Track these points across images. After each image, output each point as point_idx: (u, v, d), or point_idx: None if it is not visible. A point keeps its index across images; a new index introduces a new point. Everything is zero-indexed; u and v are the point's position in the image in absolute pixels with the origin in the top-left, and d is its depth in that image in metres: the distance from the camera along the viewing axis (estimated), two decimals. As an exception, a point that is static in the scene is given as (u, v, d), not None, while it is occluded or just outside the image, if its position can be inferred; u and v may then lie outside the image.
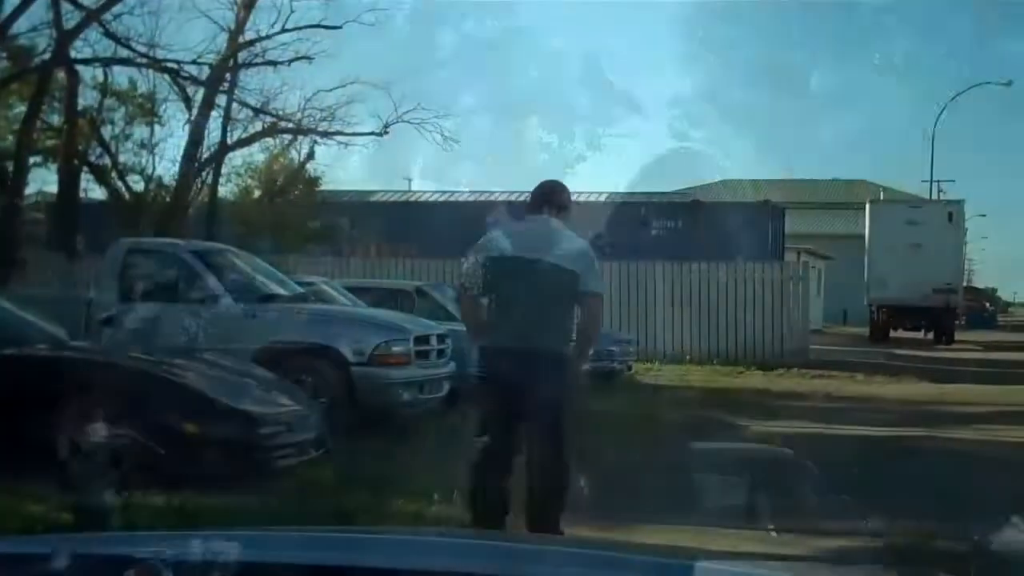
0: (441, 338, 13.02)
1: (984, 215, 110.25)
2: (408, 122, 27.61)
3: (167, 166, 29.77)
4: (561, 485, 6.75)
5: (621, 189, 34.18)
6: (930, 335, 41.08)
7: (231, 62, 25.76)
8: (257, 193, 27.03)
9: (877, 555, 7.44)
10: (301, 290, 13.80)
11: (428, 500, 8.29)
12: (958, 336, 42.78)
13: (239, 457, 8.71)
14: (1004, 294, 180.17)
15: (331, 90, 26.53)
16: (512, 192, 32.79)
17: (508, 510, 6.70)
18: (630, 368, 21.16)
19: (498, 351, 6.74)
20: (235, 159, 26.96)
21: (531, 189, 7.38)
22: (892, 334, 41.29)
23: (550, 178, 7.51)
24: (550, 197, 7.16)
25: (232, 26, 26.04)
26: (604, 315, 7.65)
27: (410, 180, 52.51)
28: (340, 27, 27.13)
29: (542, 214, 7.05)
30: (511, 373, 6.56)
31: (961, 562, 7.14)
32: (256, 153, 27.49)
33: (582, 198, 31.06)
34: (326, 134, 26.72)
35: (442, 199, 32.57)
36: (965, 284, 60.56)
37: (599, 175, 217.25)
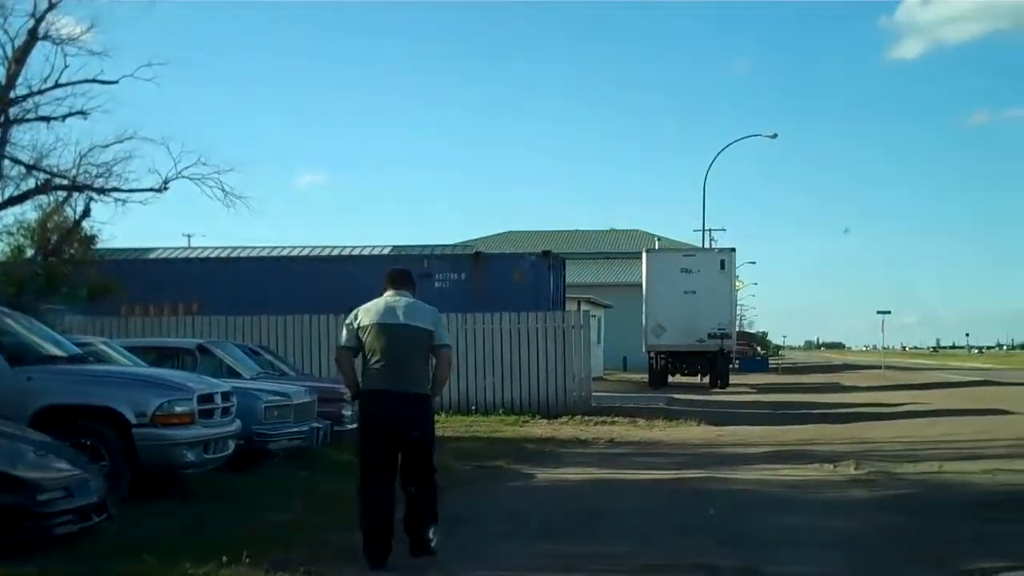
0: (226, 396, 12.82)
1: (754, 262, 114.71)
2: (188, 178, 27.17)
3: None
4: (434, 491, 8.81)
5: (405, 242, 34.36)
6: (706, 379, 42.35)
7: (2, 118, 24.95)
8: (30, 252, 26.08)
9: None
10: (79, 351, 13.39)
11: (217, 562, 8.15)
12: (733, 379, 44.22)
13: (14, 526, 8.38)
14: (774, 338, 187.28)
15: (107, 146, 25.93)
16: (293, 247, 32.63)
17: (392, 514, 8.65)
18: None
19: (378, 393, 8.71)
20: (6, 217, 26.03)
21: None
22: (671, 379, 42.45)
23: (400, 266, 9.65)
24: (405, 278, 9.28)
25: (2, 81, 25.25)
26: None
27: (189, 236, 51.61)
28: (116, 82, 26.60)
29: (399, 290, 9.10)
30: (390, 408, 8.64)
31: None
32: (29, 211, 26.58)
33: (366, 251, 31.10)
34: (102, 191, 26.04)
35: (223, 255, 32.09)
36: (738, 329, 62.74)
37: (384, 229, 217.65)
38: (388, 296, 9.07)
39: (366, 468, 8.76)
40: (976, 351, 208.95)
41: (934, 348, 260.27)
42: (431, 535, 8.64)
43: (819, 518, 11.45)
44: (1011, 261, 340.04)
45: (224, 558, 8.22)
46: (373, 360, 8.77)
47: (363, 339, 8.82)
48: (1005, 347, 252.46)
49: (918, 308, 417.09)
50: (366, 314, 8.91)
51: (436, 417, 9.57)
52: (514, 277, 28.40)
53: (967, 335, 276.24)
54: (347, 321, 9.02)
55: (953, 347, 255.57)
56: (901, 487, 13.55)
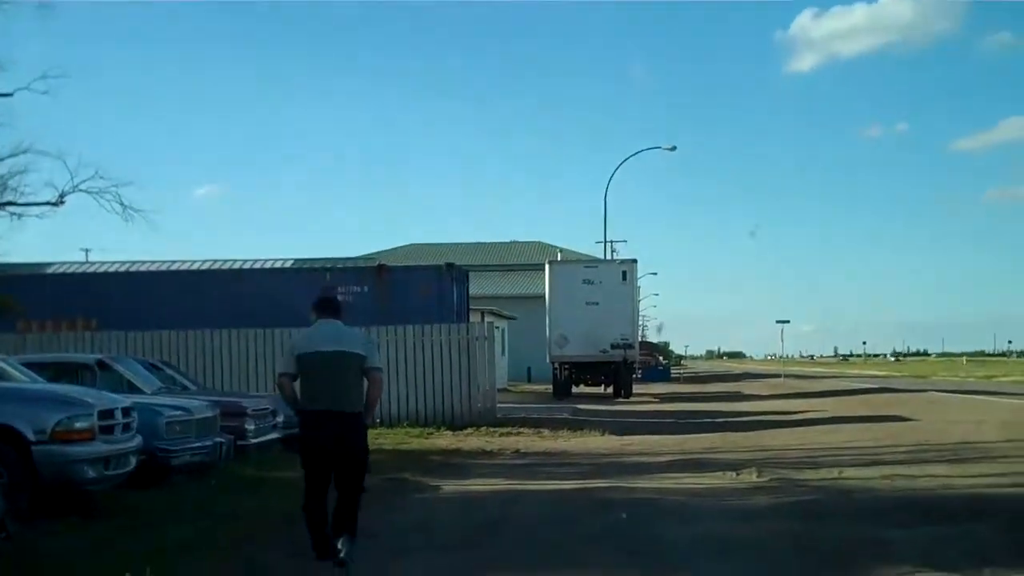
0: (127, 411, 12.64)
1: (655, 273, 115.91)
2: (86, 191, 26.76)
3: None
4: (359, 494, 9.41)
5: (307, 255, 34.12)
6: (610, 389, 42.61)
7: None
8: (-79, 268, 25.56)
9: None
10: (-26, 368, 13.15)
11: (119, 580, 8.04)
12: (636, 389, 44.57)
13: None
14: (677, 347, 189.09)
15: (2, 159, 25.48)
16: (194, 261, 32.26)
17: (328, 519, 9.26)
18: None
19: (316, 413, 9.27)
20: (-103, 234, 25.48)
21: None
22: (575, 390, 42.66)
23: (325, 294, 10.74)
24: (332, 305, 9.85)
25: None
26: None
27: (87, 251, 50.78)
28: (11, 94, 26.17)
29: (329, 318, 9.67)
30: (327, 426, 9.21)
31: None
32: (-79, 227, 26.08)
33: (268, 265, 30.87)
34: (-2, 204, 25.59)
35: (122, 269, 31.64)
36: (641, 339, 63.26)
37: (284, 241, 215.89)
38: (320, 324, 9.69)
39: (309, 482, 9.36)
40: (893, 359, 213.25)
41: (844, 356, 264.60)
42: (341, 545, 8.98)
43: (723, 525, 11.55)
44: (904, 271, 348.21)
45: (127, 574, 8.11)
46: (311, 384, 9.39)
47: (301, 365, 9.42)
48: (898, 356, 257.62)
49: (816, 317, 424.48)
50: (302, 342, 9.59)
51: None
52: (420, 290, 28.33)
53: (864, 343, 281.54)
54: (286, 350, 9.80)
55: (851, 355, 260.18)
56: (803, 493, 13.74)
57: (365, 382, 9.56)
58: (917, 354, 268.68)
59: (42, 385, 14.13)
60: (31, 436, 11.20)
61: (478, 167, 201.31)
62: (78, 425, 11.58)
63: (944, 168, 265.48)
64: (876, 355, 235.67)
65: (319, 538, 9.29)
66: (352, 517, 9.32)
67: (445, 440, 22.80)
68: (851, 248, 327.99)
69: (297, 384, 9.54)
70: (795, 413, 31.16)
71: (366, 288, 28.47)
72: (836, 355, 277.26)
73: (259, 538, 10.75)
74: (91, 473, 11.62)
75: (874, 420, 27.25)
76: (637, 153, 60.85)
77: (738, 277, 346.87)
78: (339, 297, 27.43)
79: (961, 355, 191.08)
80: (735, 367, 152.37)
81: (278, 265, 30.93)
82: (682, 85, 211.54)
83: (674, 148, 62.01)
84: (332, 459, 9.30)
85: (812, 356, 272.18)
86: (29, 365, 15.91)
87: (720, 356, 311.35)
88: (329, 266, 30.49)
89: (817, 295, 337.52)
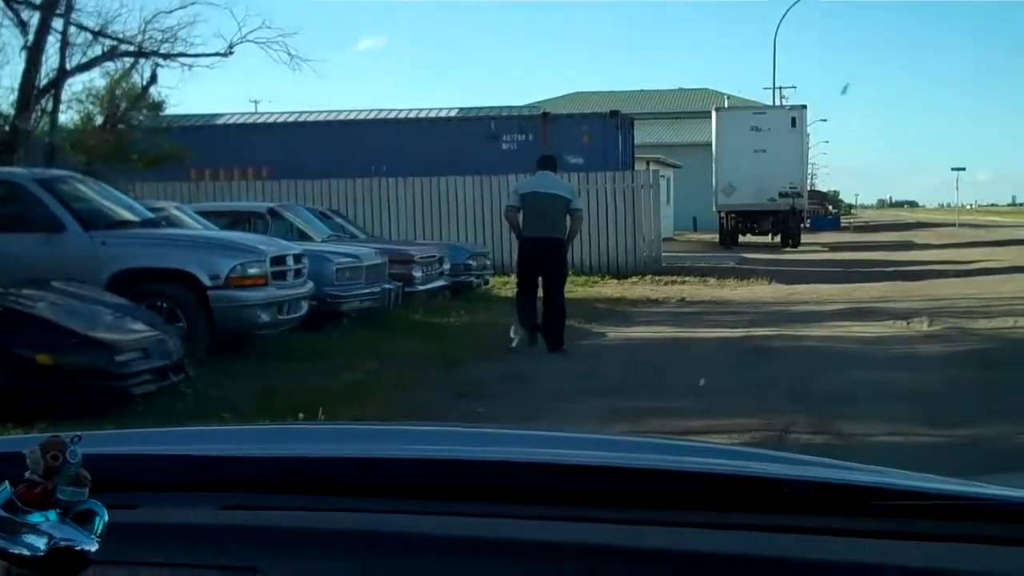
0: (298, 258, 12.92)
1: (825, 120, 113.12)
2: (253, 42, 26.97)
3: (4, 94, 28.56)
4: (563, 304, 13.28)
5: (472, 104, 34.09)
6: (777, 238, 42.01)
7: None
8: (100, 119, 26.16)
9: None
10: (151, 215, 13.53)
11: (293, 420, 8.27)
12: (804, 239, 43.88)
13: (94, 386, 8.57)
14: (846, 196, 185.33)
15: (171, 11, 25.77)
16: (360, 111, 32.53)
17: (537, 315, 13.19)
18: (487, 282, 21.29)
19: (533, 238, 13.08)
20: (75, 85, 26.08)
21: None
22: (741, 239, 42.15)
23: (545, 153, 15.39)
24: (549, 162, 13.90)
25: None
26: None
27: (256, 102, 51.60)
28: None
29: (546, 170, 13.65)
30: (539, 249, 13.00)
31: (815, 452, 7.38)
32: (97, 78, 26.58)
33: (432, 114, 30.96)
34: (168, 56, 25.94)
35: (291, 120, 32.07)
36: (809, 188, 62.04)
37: (451, 90, 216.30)
38: (539, 174, 13.61)
39: (521, 286, 13.53)
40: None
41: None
42: (563, 332, 13.09)
43: (893, 373, 11.39)
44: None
45: (300, 415, 8.34)
46: (529, 216, 13.13)
47: (524, 202, 13.23)
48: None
49: (994, 165, 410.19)
50: (525, 185, 13.78)
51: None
52: (582, 138, 28.13)
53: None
54: (512, 191, 14.25)
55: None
56: (975, 342, 13.44)
57: (568, 219, 13.18)
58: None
59: (216, 233, 14.50)
60: (207, 281, 11.53)
61: (644, 11, 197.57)
62: (251, 271, 11.88)
63: None
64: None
65: (531, 323, 13.16)
66: (559, 327, 13.04)
67: (610, 288, 22.80)
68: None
69: (520, 216, 13.25)
70: (968, 262, 30.30)
71: (530, 136, 28.37)
72: (1014, 204, 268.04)
73: (424, 381, 10.96)
74: (264, 317, 11.95)
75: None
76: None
77: (912, 125, 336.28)
78: (503, 146, 27.78)
79: None
80: (907, 216, 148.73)
81: (443, 115, 30.97)
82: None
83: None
84: (541, 271, 13.12)
85: (991, 205, 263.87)
86: (203, 213, 16.35)
87: (892, 205, 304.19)
88: (493, 115, 30.43)
89: (996, 143, 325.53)
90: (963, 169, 59.89)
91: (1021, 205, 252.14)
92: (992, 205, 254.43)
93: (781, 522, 1.48)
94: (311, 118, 31.96)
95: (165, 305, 11.31)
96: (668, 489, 1.60)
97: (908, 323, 15.51)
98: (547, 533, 1.48)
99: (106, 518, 1.31)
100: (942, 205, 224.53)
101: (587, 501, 1.56)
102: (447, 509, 1.57)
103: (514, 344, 12.09)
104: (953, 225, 66.75)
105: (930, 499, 1.52)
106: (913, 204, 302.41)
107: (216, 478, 1.69)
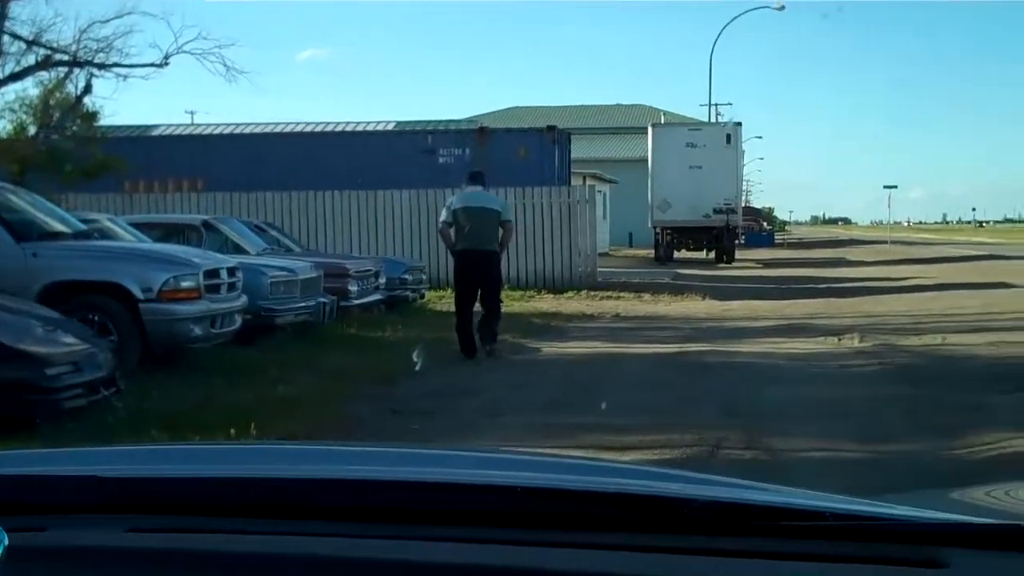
0: (232, 271, 12.84)
1: (761, 137, 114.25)
2: (189, 53, 26.79)
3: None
4: (498, 308, 14.22)
5: (410, 117, 34.06)
6: (712, 254, 42.26)
7: (-1, -8, 24.57)
8: (32, 129, 25.87)
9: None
10: (84, 227, 13.39)
11: (224, 435, 8.22)
12: (739, 255, 44.19)
13: (23, 400, 8.46)
14: (781, 213, 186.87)
15: (107, 21, 25.55)
16: (297, 124, 32.41)
17: (473, 331, 13.80)
18: (423, 296, 21.27)
19: (466, 251, 13.75)
20: (7, 94, 25.79)
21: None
22: (676, 255, 42.37)
23: (474, 169, 15.99)
24: (478, 177, 14.53)
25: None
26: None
27: (192, 113, 51.19)
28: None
29: (475, 184, 14.40)
30: (474, 262, 13.70)
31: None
32: (30, 87, 26.27)
33: (369, 128, 30.91)
34: (103, 66, 25.73)
35: (227, 131, 31.87)
36: (744, 204, 62.56)
37: (390, 103, 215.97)
38: (469, 189, 14.39)
39: (459, 301, 14.00)
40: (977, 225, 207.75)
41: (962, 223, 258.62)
42: (497, 329, 14.09)
43: (824, 389, 11.51)
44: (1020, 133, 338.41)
45: (232, 431, 8.30)
46: (462, 231, 13.75)
47: (456, 217, 13.80)
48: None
49: (926, 184, 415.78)
50: (457, 201, 14.18)
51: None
52: (519, 153, 28.20)
53: (973, 210, 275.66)
54: (445, 207, 14.32)
55: (959, 222, 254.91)
56: (906, 359, 13.61)
57: (500, 231, 13.89)
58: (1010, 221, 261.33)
59: (149, 245, 14.39)
60: (139, 294, 11.43)
61: (581, 28, 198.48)
62: (185, 284, 11.79)
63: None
64: (983, 222, 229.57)
65: (467, 342, 13.70)
66: (494, 327, 13.94)
67: (546, 303, 22.86)
68: (963, 114, 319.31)
69: (453, 231, 13.81)
70: (900, 279, 30.69)
71: (467, 151, 28.40)
72: (945, 221, 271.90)
73: (359, 395, 10.93)
74: (197, 331, 11.85)
75: (980, 287, 26.72)
76: (745, 13, 59.54)
77: (846, 143, 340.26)
78: (440, 159, 27.78)
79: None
80: (840, 233, 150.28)
81: (380, 128, 30.94)
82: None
83: (782, 8, 60.30)
84: (477, 282, 13.76)
85: (919, 223, 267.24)
86: (136, 225, 16.20)
87: (826, 222, 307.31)
88: (431, 129, 30.44)
89: (928, 162, 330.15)
90: (895, 187, 60.82)
91: (951, 223, 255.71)
92: (920, 223, 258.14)
93: (682, 544, 1.50)
94: (247, 130, 31.81)
95: (97, 318, 11.19)
96: (573, 509, 1.61)
97: (840, 339, 15.67)
98: (455, 555, 1.49)
99: (6, 541, 1.30)
100: (875, 222, 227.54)
101: (495, 522, 1.57)
102: (355, 531, 1.57)
103: (417, 368, 11.73)
104: (885, 242, 67.58)
105: (826, 519, 1.54)
106: (847, 221, 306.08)
107: (126, 500, 1.67)
